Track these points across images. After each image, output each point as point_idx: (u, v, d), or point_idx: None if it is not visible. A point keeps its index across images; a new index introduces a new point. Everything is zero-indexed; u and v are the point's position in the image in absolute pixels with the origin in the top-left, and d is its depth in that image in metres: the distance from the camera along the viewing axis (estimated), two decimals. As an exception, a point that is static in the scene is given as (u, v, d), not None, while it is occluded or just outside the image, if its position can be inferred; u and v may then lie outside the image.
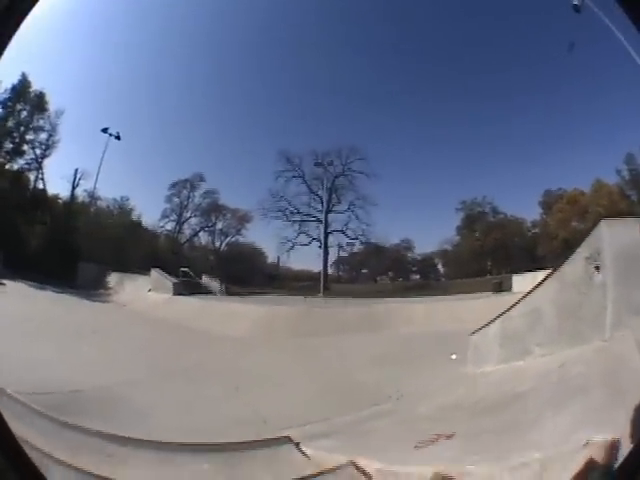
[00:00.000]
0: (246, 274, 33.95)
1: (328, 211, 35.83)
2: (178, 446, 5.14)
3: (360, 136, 37.13)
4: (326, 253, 35.56)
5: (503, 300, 8.88)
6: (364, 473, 4.15)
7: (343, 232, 36.27)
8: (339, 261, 39.74)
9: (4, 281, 20.60)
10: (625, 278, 5.17)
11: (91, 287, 25.45)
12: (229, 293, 26.79)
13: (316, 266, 35.78)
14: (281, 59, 37.95)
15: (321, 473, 4.42)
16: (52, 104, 30.76)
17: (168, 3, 33.32)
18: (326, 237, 35.59)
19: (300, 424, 6.30)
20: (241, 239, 39.10)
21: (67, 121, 30.98)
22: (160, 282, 23.87)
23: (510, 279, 23.62)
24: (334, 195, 36.24)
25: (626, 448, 2.66)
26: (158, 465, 4.68)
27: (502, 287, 23.40)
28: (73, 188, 32.41)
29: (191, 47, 35.99)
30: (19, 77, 29.35)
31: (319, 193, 36.18)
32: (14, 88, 29.63)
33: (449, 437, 4.62)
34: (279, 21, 35.70)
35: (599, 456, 2.70)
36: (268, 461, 5.00)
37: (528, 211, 37.01)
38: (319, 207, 36.10)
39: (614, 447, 2.75)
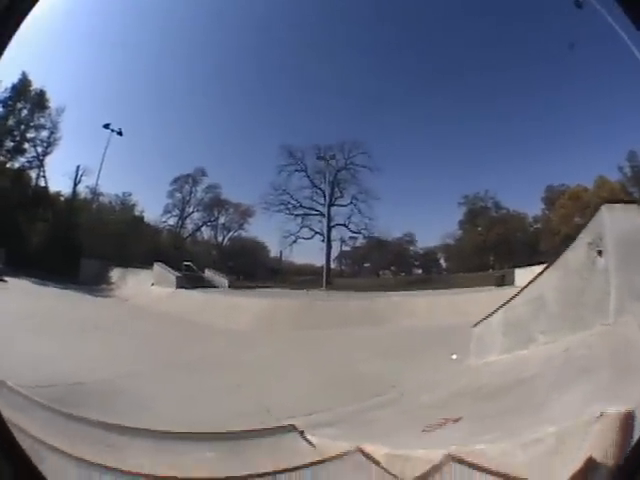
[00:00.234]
0: (249, 268, 34.01)
1: (331, 205, 35.90)
2: (181, 435, 5.14)
3: (363, 131, 37.30)
4: (329, 247, 35.71)
5: (505, 294, 8.84)
6: (371, 459, 4.14)
7: (346, 226, 36.36)
8: (342, 255, 39.83)
9: (6, 278, 20.72)
10: (627, 264, 5.15)
11: (93, 283, 25.56)
12: (232, 287, 26.82)
13: (319, 260, 35.93)
14: (283, 55, 38.06)
15: (327, 460, 4.41)
16: (53, 102, 30.97)
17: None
18: (329, 231, 35.68)
19: (304, 414, 6.30)
20: (244, 233, 39.24)
21: (68, 118, 31.22)
22: (163, 276, 23.90)
23: (513, 273, 23.57)
24: (336, 189, 36.32)
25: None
26: (161, 454, 4.68)
27: (505, 281, 23.37)
28: (75, 185, 32.76)
29: (192, 43, 36.24)
30: (19, 76, 29.51)
31: (321, 187, 36.27)
32: (14, 87, 29.82)
33: (456, 421, 4.62)
34: (280, 16, 35.67)
35: (614, 427, 2.69)
36: (272, 449, 4.98)
37: (530, 206, 37.07)
38: (321, 201, 36.21)
39: (629, 418, 2.73)
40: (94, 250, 28.64)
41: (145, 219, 36.44)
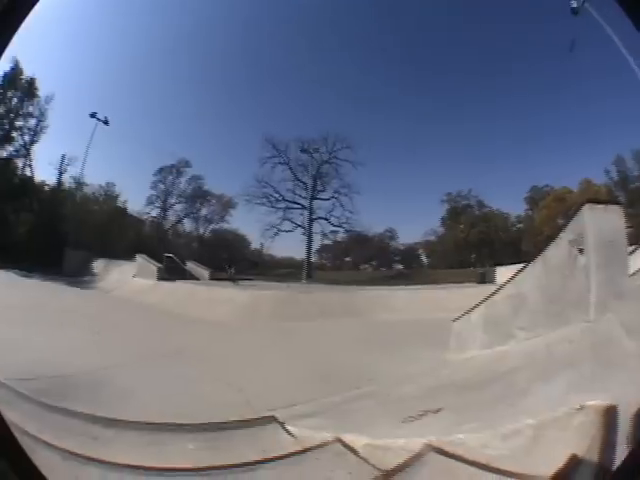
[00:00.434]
0: (229, 260, 33.81)
1: (313, 198, 35.92)
2: (162, 426, 5.10)
3: (347, 125, 37.26)
4: (310, 240, 35.74)
5: (487, 290, 8.94)
6: (351, 449, 4.15)
7: (327, 219, 36.34)
8: (323, 249, 39.91)
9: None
10: (607, 263, 5.24)
11: (77, 274, 25.40)
12: (213, 278, 26.66)
13: (300, 253, 35.92)
14: (268, 48, 37.75)
15: (307, 450, 4.41)
16: (42, 90, 30.85)
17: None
18: (310, 224, 35.69)
19: (284, 405, 6.29)
20: (225, 225, 39.05)
21: (55, 107, 31.20)
22: (145, 268, 23.80)
23: (494, 271, 23.90)
24: (319, 182, 36.37)
25: (623, 415, 2.67)
26: (144, 445, 4.63)
27: (486, 279, 23.68)
28: (60, 174, 32.50)
29: (178, 35, 35.77)
30: (11, 65, 29.05)
31: (304, 180, 36.18)
32: (5, 75, 29.56)
33: (437, 412, 4.66)
34: (265, 10, 35.53)
35: (595, 421, 2.72)
36: (254, 440, 4.98)
37: (514, 206, 37.64)
38: (304, 194, 36.27)
39: (611, 412, 2.76)
40: (78, 240, 28.56)
41: (128, 210, 36.25)
